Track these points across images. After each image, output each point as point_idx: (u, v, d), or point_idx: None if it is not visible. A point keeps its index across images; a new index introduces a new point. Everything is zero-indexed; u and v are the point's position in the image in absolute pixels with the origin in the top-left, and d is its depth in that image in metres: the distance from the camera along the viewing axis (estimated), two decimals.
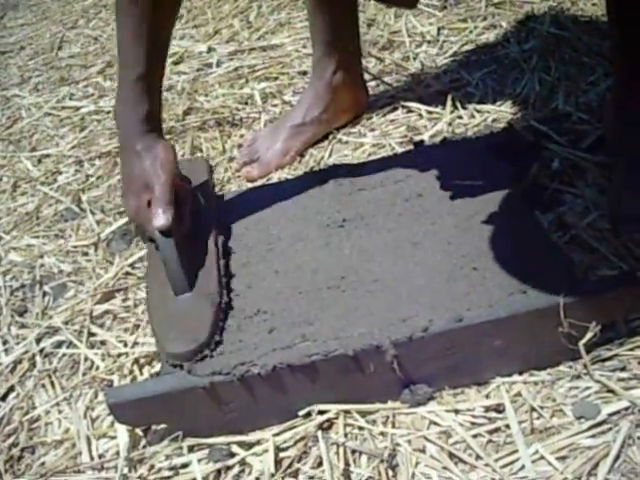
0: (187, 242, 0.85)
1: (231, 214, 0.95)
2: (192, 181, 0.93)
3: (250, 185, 1.12)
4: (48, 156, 1.38)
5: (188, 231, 0.86)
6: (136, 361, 0.89)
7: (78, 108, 1.50)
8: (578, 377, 0.75)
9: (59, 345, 0.95)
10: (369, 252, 0.85)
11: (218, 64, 1.52)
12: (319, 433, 0.74)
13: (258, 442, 0.76)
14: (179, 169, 0.89)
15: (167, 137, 1.30)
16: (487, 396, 0.76)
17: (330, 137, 1.20)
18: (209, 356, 0.75)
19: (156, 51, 0.85)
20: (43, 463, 0.81)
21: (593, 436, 0.70)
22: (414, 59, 1.36)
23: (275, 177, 1.14)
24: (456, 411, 0.74)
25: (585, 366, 0.74)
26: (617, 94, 0.98)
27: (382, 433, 0.74)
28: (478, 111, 1.17)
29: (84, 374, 0.90)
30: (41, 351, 0.95)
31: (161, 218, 0.81)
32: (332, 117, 1.19)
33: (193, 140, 1.28)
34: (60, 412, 0.87)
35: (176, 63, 1.56)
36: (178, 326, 0.78)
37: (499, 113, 1.15)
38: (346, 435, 0.75)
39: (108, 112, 1.45)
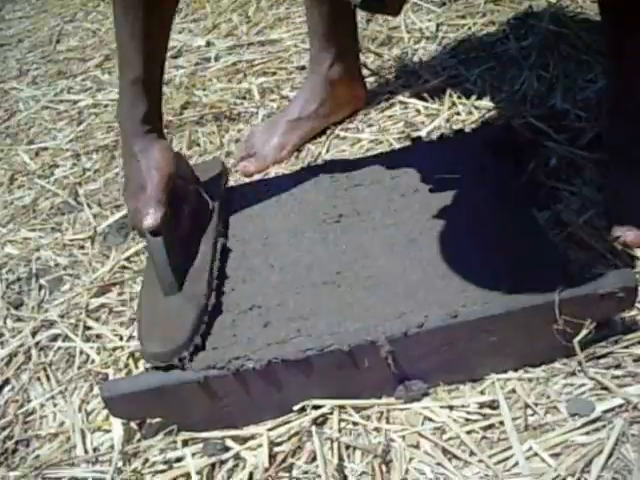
0: (185, 241, 0.85)
1: (227, 208, 0.95)
2: (205, 181, 0.93)
3: (247, 180, 1.13)
4: (45, 149, 1.37)
5: (187, 231, 0.86)
6: (131, 355, 0.89)
7: (76, 101, 1.50)
8: (573, 374, 0.75)
9: (55, 338, 0.95)
10: (365, 248, 0.84)
11: (216, 58, 1.51)
12: (313, 428, 0.74)
13: (252, 437, 0.76)
14: (183, 169, 0.89)
15: (165, 131, 1.30)
16: (482, 392, 0.76)
17: (328, 132, 1.20)
18: (187, 359, 0.74)
19: (152, 54, 0.83)
20: (38, 456, 0.81)
21: (587, 433, 0.70)
22: (413, 55, 1.36)
23: (272, 172, 1.14)
24: (450, 407, 0.75)
25: (580, 363, 0.74)
26: (613, 93, 0.97)
27: (376, 429, 0.74)
28: (476, 107, 1.17)
29: (79, 367, 0.90)
30: (37, 344, 0.95)
31: (149, 218, 0.80)
32: (329, 112, 1.19)
33: (191, 134, 1.28)
34: (55, 405, 0.87)
35: (174, 57, 1.56)
36: (161, 326, 0.77)
37: (497, 110, 1.15)
38: (340, 430, 0.75)
39: (106, 105, 1.45)
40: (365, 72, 1.27)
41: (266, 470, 0.72)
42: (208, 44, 1.58)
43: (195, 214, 0.88)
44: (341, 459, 0.72)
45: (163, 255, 0.80)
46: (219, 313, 0.80)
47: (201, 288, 0.80)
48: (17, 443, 0.84)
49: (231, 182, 1.14)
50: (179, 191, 0.86)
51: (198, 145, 1.26)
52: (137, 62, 0.81)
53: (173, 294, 0.80)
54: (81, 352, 0.92)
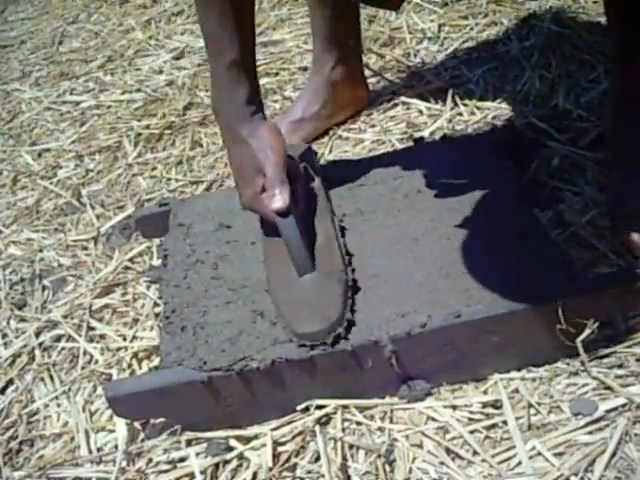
0: (303, 220, 0.83)
1: (233, 209, 0.95)
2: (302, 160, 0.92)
3: None
4: (48, 150, 1.38)
5: (302, 209, 0.85)
6: (135, 355, 0.89)
7: (78, 103, 1.51)
8: (575, 374, 0.75)
9: (58, 339, 0.96)
10: (368, 247, 0.85)
11: None
12: (317, 428, 0.74)
13: (256, 436, 0.76)
14: (287, 149, 0.87)
15: (168, 132, 1.31)
16: (485, 392, 0.76)
17: (330, 133, 1.20)
18: (343, 336, 0.73)
19: (244, 34, 0.82)
20: (42, 456, 0.82)
21: (590, 432, 0.70)
22: (415, 56, 1.36)
23: None
24: (454, 407, 0.75)
25: (582, 363, 0.74)
26: (616, 94, 0.97)
27: (380, 428, 0.74)
28: (478, 108, 1.17)
29: (83, 368, 0.91)
30: (40, 345, 0.95)
31: (278, 200, 0.79)
32: (331, 112, 1.19)
33: (194, 135, 1.29)
34: (59, 405, 0.87)
35: (177, 58, 1.57)
36: (307, 306, 0.76)
37: (499, 110, 1.15)
38: (344, 430, 0.75)
39: (108, 107, 1.45)
40: (367, 73, 1.27)
41: (270, 470, 0.72)
42: None
43: (307, 192, 0.88)
44: (345, 459, 0.72)
45: (296, 234, 0.79)
46: (357, 289, 0.79)
47: (337, 264, 0.79)
48: (21, 443, 0.84)
49: (232, 183, 1.14)
50: (291, 170, 0.85)
51: (201, 146, 1.27)
52: (231, 45, 0.80)
53: (308, 273, 0.79)
54: (85, 352, 0.92)
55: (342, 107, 1.20)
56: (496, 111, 1.15)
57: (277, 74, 1.41)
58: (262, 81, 1.38)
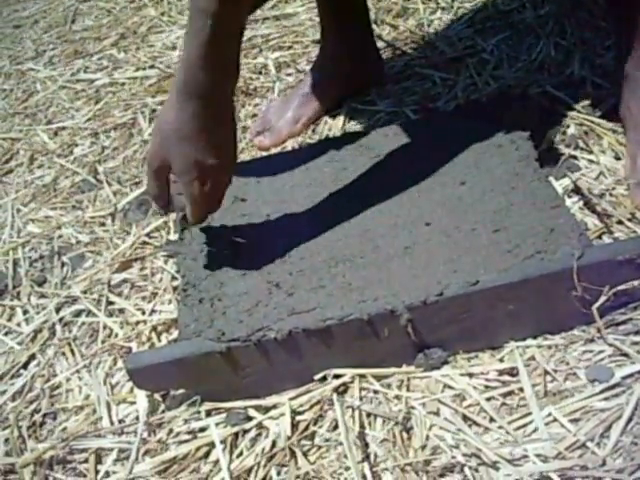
0: None
1: (248, 182, 0.96)
2: None
3: (264, 154, 1.13)
4: (64, 129, 1.38)
5: None
6: (154, 328, 0.90)
7: (93, 80, 1.51)
8: (592, 341, 0.75)
9: (78, 314, 0.97)
10: (385, 219, 0.85)
11: None
12: (335, 397, 0.75)
13: (275, 406, 0.77)
14: None
15: None
16: (501, 360, 0.76)
17: (344, 105, 1.20)
18: None
19: None
20: (65, 428, 0.83)
21: (606, 399, 0.70)
22: (428, 26, 1.35)
23: (289, 146, 1.14)
24: (470, 375, 0.75)
25: (599, 330, 0.75)
26: (621, 61, 0.96)
27: (397, 396, 0.75)
28: (493, 77, 1.16)
29: (103, 342, 0.92)
30: (61, 320, 0.96)
31: None
32: (344, 85, 1.18)
33: None
34: (80, 379, 0.88)
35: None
36: None
37: (514, 79, 1.14)
38: (361, 399, 0.76)
39: (122, 84, 1.46)
40: (381, 44, 1.27)
41: (288, 439, 0.73)
42: None
43: None
44: (362, 427, 0.73)
45: None
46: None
47: None
48: (45, 416, 0.86)
49: (247, 157, 1.14)
50: None
51: None
52: None
53: None
54: (104, 327, 0.94)
55: (355, 79, 1.19)
56: (511, 80, 1.14)
57: (290, 47, 1.41)
58: (275, 54, 1.38)
